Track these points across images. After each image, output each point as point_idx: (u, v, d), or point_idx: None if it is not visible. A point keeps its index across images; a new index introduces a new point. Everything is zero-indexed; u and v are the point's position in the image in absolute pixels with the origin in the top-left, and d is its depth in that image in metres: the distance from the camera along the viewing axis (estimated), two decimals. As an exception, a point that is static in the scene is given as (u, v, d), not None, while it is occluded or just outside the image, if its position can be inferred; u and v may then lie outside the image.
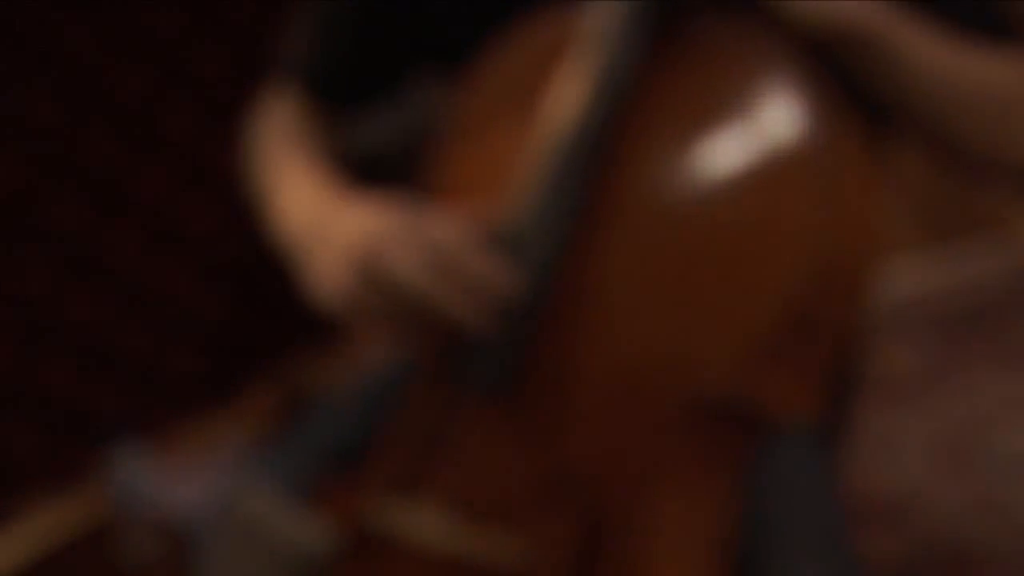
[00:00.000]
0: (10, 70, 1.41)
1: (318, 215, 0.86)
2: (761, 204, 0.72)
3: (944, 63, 0.79)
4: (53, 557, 1.74)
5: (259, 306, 1.92)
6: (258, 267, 1.92)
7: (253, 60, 1.75)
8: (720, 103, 0.76)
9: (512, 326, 0.76)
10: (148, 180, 1.63)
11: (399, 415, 0.81)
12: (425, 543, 0.75)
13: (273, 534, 0.51)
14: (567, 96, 0.77)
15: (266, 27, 1.73)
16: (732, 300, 0.72)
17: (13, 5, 1.37)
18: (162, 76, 1.61)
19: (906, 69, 0.76)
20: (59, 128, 1.50)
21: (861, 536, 1.75)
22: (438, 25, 0.99)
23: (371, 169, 1.06)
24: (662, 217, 0.75)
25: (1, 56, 1.38)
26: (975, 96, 0.80)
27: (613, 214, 0.77)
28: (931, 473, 1.89)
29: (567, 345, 0.76)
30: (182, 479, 1.85)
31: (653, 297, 0.74)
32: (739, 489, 0.80)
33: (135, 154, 1.61)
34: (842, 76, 0.77)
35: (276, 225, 0.92)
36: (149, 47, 1.56)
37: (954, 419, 2.02)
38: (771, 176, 0.72)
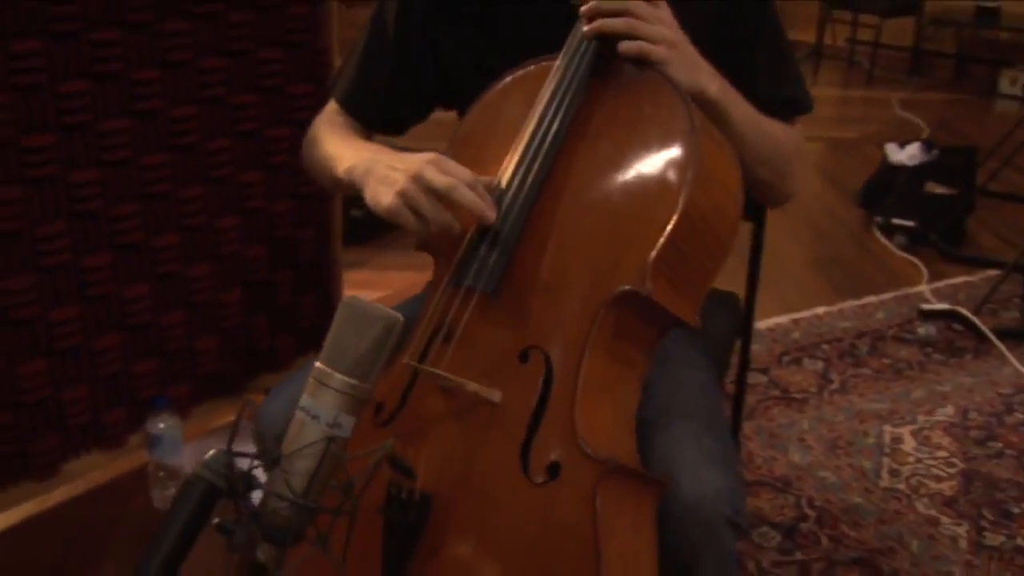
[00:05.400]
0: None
1: (376, 151, 1.23)
2: (658, 168, 1.10)
3: (751, 121, 1.23)
4: (101, 499, 2.05)
5: (269, 306, 2.23)
6: (272, 283, 2.25)
7: (280, 100, 2.12)
8: (635, 115, 1.15)
9: (504, 246, 1.12)
10: (193, 205, 1.98)
11: (425, 311, 1.18)
12: (442, 388, 1.12)
13: (368, 309, 0.86)
14: (539, 116, 1.17)
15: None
16: (639, 229, 1.07)
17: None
18: (205, 99, 1.94)
19: (733, 119, 1.19)
20: (129, 154, 1.83)
21: (763, 498, 2.13)
22: (450, 75, 1.39)
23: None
24: (597, 179, 1.12)
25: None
26: (764, 146, 1.24)
27: (568, 176, 1.13)
28: (816, 455, 2.27)
29: (535, 260, 1.11)
30: (207, 440, 2.16)
31: (590, 228, 1.10)
32: (648, 365, 1.18)
33: (186, 180, 1.95)
34: None
35: (331, 165, 1.28)
36: (171, 56, 1.86)
37: (836, 421, 2.42)
38: (664, 153, 1.11)
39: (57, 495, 2.00)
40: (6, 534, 1.93)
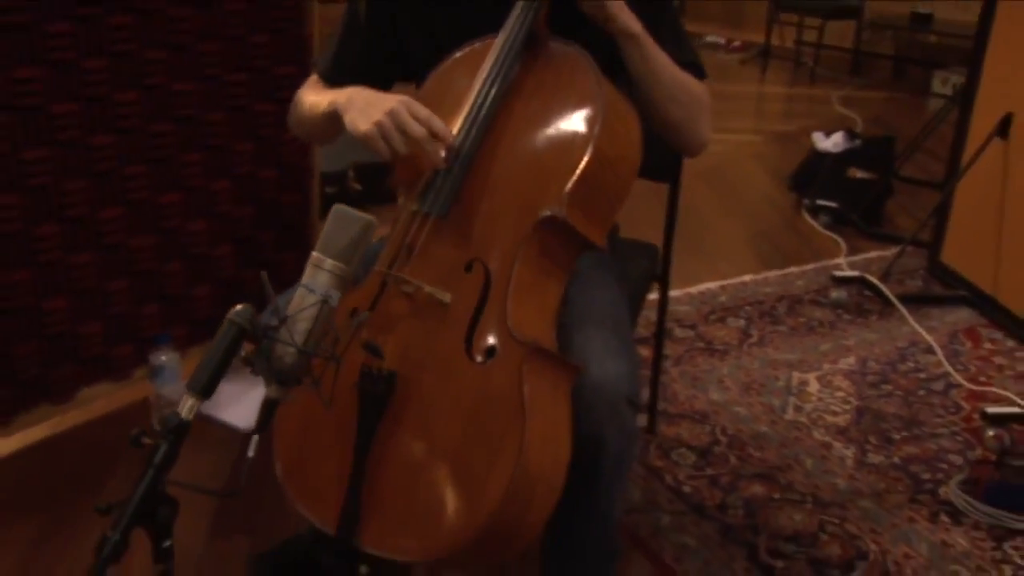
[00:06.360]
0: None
1: (355, 90, 1.51)
2: (572, 123, 1.42)
3: (666, 64, 1.54)
4: (109, 424, 2.32)
5: (256, 260, 2.51)
6: (259, 240, 2.55)
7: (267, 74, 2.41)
8: (557, 81, 1.48)
9: (453, 179, 1.45)
10: (193, 169, 2.28)
11: (391, 233, 1.49)
12: (404, 293, 1.43)
13: (350, 213, 1.18)
14: (482, 81, 1.49)
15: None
16: (558, 168, 1.39)
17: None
18: (203, 77, 2.23)
19: (650, 60, 1.50)
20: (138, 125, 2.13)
21: (683, 427, 2.45)
22: (410, 53, 1.71)
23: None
24: (528, 129, 1.42)
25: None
26: (677, 87, 1.56)
27: (504, 128, 1.45)
28: (732, 395, 2.61)
29: (478, 192, 1.42)
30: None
31: (522, 167, 1.41)
32: (567, 278, 1.50)
33: (186, 147, 2.26)
34: (619, 64, 1.52)
35: (315, 108, 1.57)
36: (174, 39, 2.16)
37: (752, 368, 2.75)
38: (579, 111, 1.43)
39: (72, 418, 2.29)
40: (28, 450, 2.22)
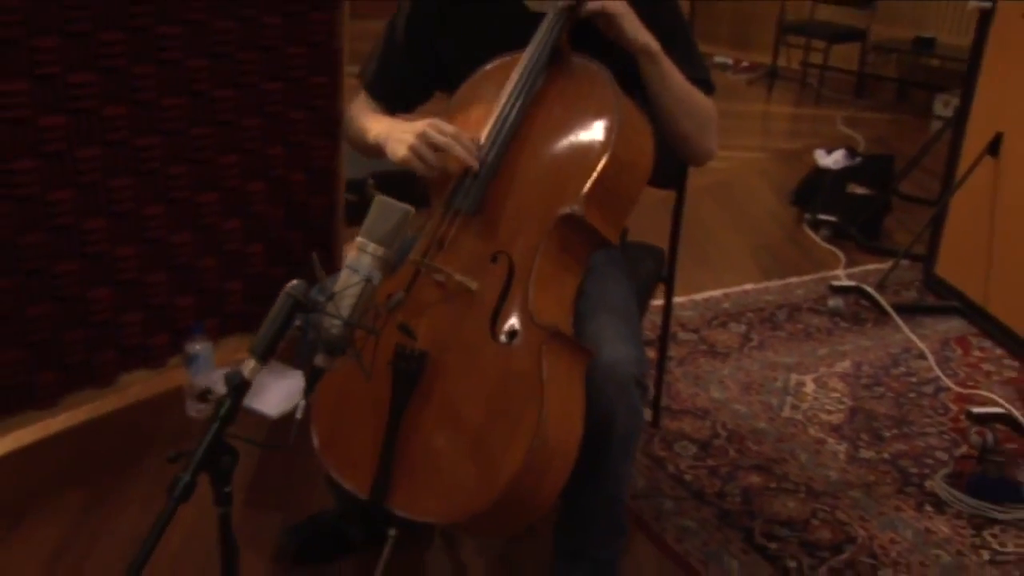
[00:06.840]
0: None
1: (393, 123, 1.70)
2: (591, 131, 1.57)
3: (679, 80, 1.69)
4: (146, 408, 2.45)
5: (285, 258, 2.66)
6: (288, 239, 2.68)
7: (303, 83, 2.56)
8: (578, 92, 1.63)
9: (481, 180, 1.59)
10: (230, 171, 2.43)
11: (425, 229, 1.64)
12: (436, 281, 1.58)
13: (391, 203, 1.32)
14: (509, 92, 1.64)
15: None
16: (577, 171, 1.53)
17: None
18: (241, 84, 2.37)
19: (665, 76, 1.65)
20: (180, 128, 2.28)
21: (685, 421, 2.59)
22: (446, 67, 1.86)
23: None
24: (550, 135, 1.57)
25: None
26: (689, 101, 1.71)
27: (528, 134, 1.59)
28: (732, 393, 2.74)
29: (505, 188, 1.56)
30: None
31: (544, 169, 1.55)
32: (583, 272, 1.64)
33: (224, 150, 2.40)
34: (636, 79, 1.67)
35: (364, 136, 1.75)
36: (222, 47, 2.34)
37: (752, 369, 2.89)
38: (598, 120, 1.57)
39: (111, 402, 2.43)
40: (73, 430, 2.36)
